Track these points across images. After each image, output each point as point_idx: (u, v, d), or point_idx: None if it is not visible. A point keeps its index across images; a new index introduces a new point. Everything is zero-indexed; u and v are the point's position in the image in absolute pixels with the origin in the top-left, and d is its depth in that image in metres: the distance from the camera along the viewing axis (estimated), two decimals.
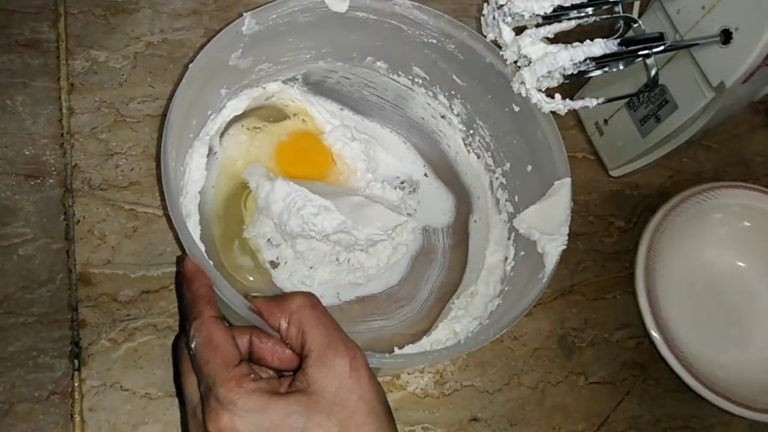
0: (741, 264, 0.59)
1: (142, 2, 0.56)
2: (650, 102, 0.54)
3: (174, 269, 0.47)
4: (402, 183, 0.54)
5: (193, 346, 0.32)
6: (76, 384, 0.43)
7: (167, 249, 0.48)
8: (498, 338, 0.51)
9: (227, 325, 0.34)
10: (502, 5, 0.41)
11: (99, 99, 0.51)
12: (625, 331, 0.55)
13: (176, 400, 0.44)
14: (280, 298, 0.34)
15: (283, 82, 0.51)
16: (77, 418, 0.42)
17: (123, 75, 0.52)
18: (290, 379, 0.32)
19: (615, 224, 0.59)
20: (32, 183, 0.48)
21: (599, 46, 0.40)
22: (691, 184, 0.60)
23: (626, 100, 0.56)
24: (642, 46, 0.42)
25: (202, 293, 0.34)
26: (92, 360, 0.44)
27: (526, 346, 0.52)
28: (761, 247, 0.59)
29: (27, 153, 0.48)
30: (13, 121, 0.49)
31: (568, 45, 0.40)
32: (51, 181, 0.48)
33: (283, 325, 0.33)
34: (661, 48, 0.43)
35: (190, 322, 0.34)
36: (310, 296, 0.34)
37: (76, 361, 0.43)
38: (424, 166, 0.54)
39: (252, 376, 0.31)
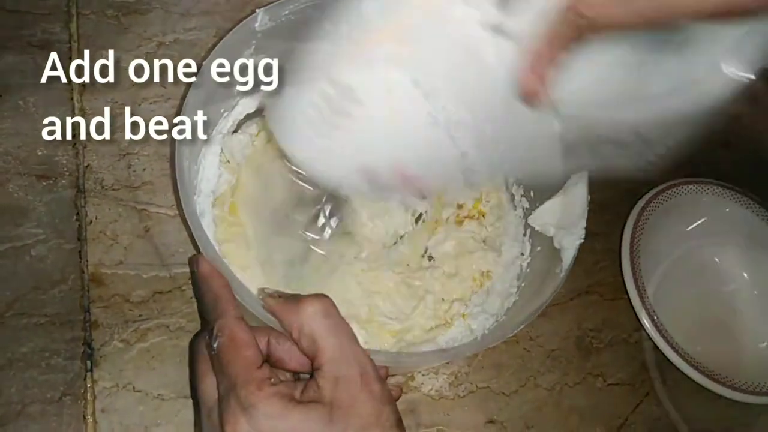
0: (717, 255, 0.59)
1: (154, 3, 0.56)
2: None
3: (186, 270, 0.47)
4: None
5: (215, 345, 0.32)
6: (88, 385, 0.43)
7: (180, 249, 0.47)
8: (514, 339, 0.50)
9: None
10: None
11: (111, 99, 0.51)
12: (643, 332, 0.54)
13: (189, 401, 0.43)
14: (294, 301, 0.33)
15: None
16: (89, 419, 0.42)
17: None
18: (305, 383, 0.32)
19: None
20: (45, 183, 0.48)
21: None
22: None
23: None
24: None
25: (223, 293, 0.34)
26: (104, 361, 0.43)
27: (543, 347, 0.51)
28: (734, 238, 0.58)
29: (39, 153, 0.48)
30: (26, 122, 0.49)
31: None
32: (63, 181, 0.48)
33: (295, 334, 0.33)
34: None
35: (213, 321, 0.33)
36: (323, 302, 0.33)
37: (88, 362, 0.43)
38: None
39: (272, 380, 0.31)
